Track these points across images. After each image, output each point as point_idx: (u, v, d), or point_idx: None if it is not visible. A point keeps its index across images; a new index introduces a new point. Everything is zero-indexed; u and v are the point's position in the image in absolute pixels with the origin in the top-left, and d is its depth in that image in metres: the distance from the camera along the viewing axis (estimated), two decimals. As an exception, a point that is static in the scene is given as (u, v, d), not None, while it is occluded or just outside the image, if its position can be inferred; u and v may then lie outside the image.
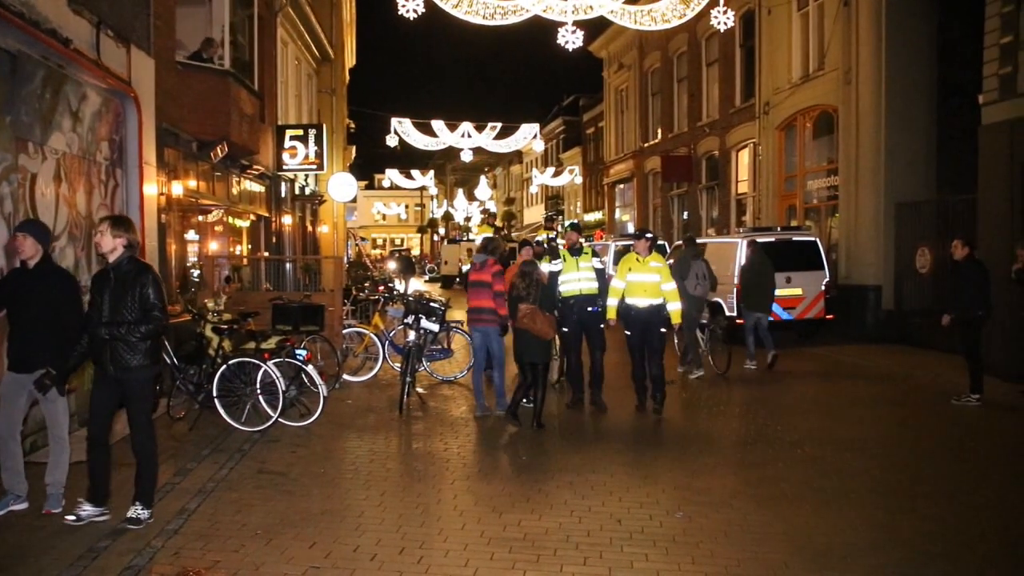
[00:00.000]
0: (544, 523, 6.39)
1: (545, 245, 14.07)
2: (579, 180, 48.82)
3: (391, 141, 35.68)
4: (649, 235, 10.86)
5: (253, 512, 6.66)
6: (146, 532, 6.16)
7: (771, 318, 14.31)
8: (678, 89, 29.96)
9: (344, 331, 13.43)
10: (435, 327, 12.00)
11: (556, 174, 50.77)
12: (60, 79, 9.41)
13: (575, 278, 10.62)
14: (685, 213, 29.60)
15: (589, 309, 10.61)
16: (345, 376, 12.39)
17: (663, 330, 10.45)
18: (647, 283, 10.33)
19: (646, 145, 32.90)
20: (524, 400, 9.92)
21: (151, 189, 11.78)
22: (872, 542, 6.00)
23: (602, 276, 10.92)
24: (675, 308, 10.46)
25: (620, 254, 15.33)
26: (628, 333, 10.53)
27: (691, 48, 28.28)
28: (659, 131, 31.60)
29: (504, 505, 6.87)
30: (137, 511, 6.30)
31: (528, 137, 35.81)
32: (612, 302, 10.58)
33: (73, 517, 6.29)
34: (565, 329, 10.76)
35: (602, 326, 10.70)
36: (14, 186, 8.29)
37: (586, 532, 6.19)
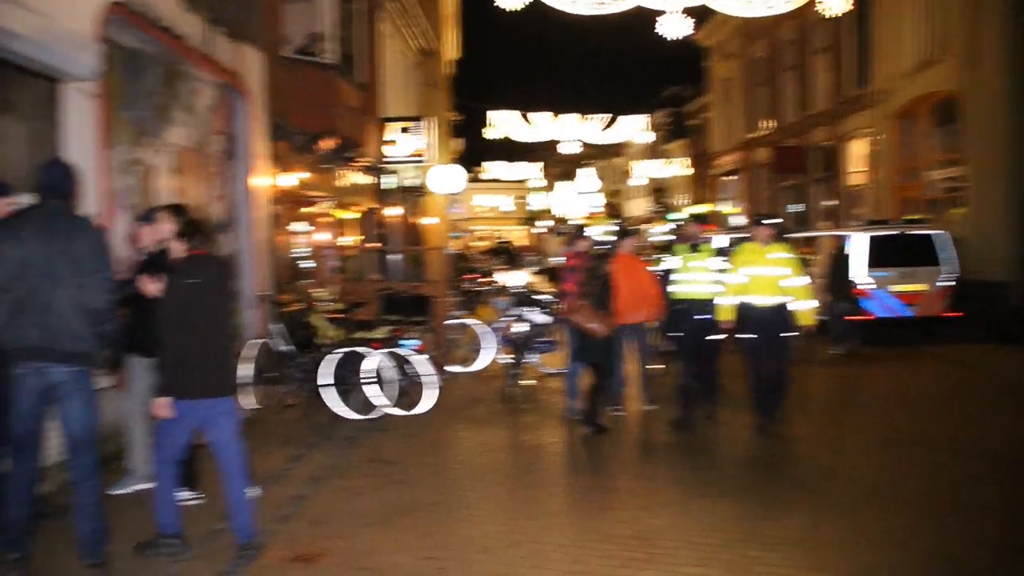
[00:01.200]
0: (656, 521, 6.19)
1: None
2: (684, 172, 48.04)
3: (493, 133, 35.78)
4: (769, 221, 9.19)
5: (365, 500, 6.66)
6: (261, 516, 6.18)
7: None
8: (786, 78, 29.11)
9: (451, 322, 13.43)
10: (543, 319, 11.87)
11: (662, 166, 50.03)
12: (176, 75, 9.65)
13: (686, 279, 9.23)
14: (796, 205, 28.73)
15: (700, 317, 8.99)
16: (452, 367, 12.38)
17: (789, 334, 8.69)
18: (769, 278, 8.65)
19: (753, 136, 32.12)
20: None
21: (262, 181, 11.99)
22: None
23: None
24: (805, 307, 8.63)
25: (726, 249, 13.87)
26: (746, 337, 8.81)
27: (800, 35, 27.41)
28: (767, 121, 30.79)
29: (615, 501, 6.71)
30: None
31: (634, 129, 35.40)
32: (728, 300, 8.80)
33: None
34: (678, 334, 9.43)
35: (715, 337, 9.14)
36: (135, 178, 8.51)
37: (701, 531, 5.95)
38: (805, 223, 25.70)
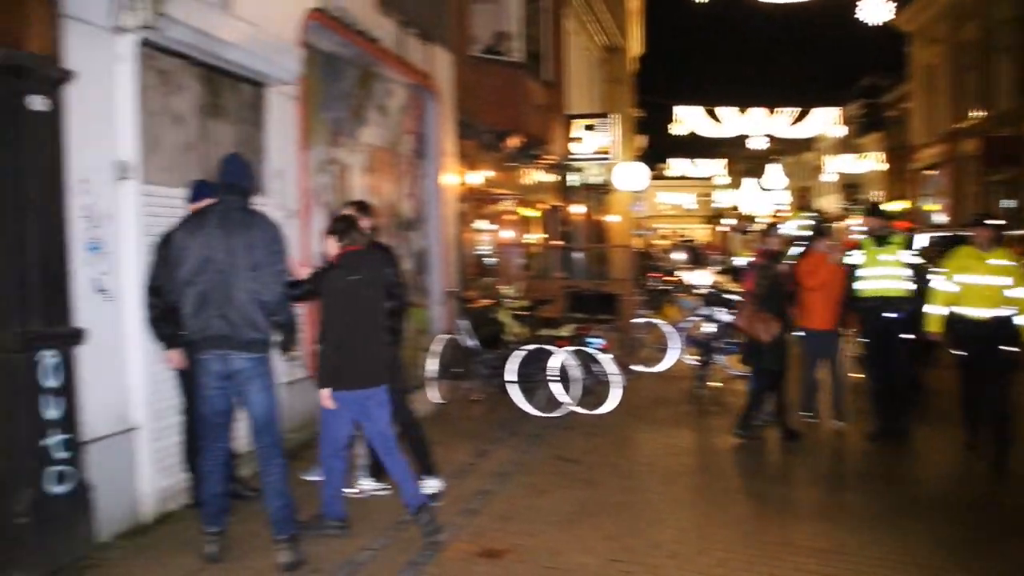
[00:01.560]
0: (857, 536, 5.86)
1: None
2: (880, 167, 45.70)
3: (679, 130, 35.28)
4: (991, 221, 8.13)
5: (550, 498, 6.64)
6: (448, 509, 6.29)
7: None
8: (1000, 61, 27.05)
9: (636, 321, 13.27)
10: (731, 319, 11.55)
11: (855, 160, 47.79)
12: (370, 76, 9.95)
13: (873, 274, 8.41)
14: (1009, 201, 26.65)
15: (889, 315, 8.29)
16: (637, 366, 12.23)
17: (1010, 349, 7.59)
18: (988, 287, 7.59)
19: (959, 126, 30.07)
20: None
21: (450, 179, 12.23)
22: None
23: (921, 273, 8.54)
24: None
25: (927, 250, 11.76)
26: (958, 353, 7.98)
27: (1020, 12, 25.30)
28: (975, 110, 28.76)
29: (808, 512, 6.41)
30: (433, 485, 6.47)
31: (825, 122, 34.01)
32: (938, 310, 7.87)
33: (355, 490, 6.56)
34: (866, 340, 8.74)
35: (907, 336, 8.37)
36: (331, 177, 8.84)
37: (906, 551, 5.59)
38: (1020, 221, 23.81)
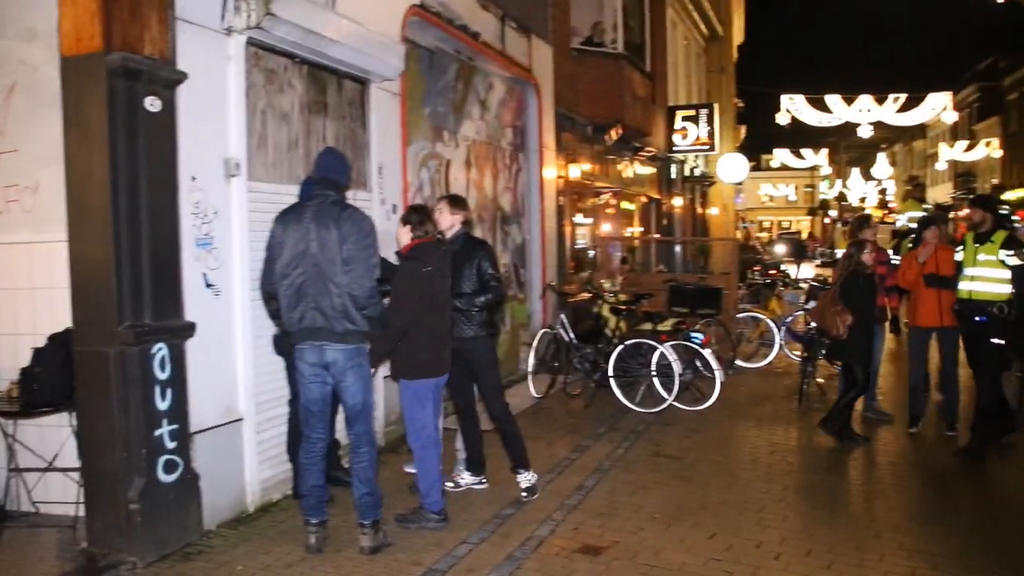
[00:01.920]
0: (975, 539, 5.64)
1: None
2: (996, 154, 43.88)
3: (782, 119, 34.50)
4: None
5: (650, 495, 6.56)
6: (546, 504, 6.28)
7: None
8: None
9: (739, 315, 13.03)
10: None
11: (968, 148, 45.99)
12: (470, 71, 9.99)
13: (968, 274, 7.72)
14: None
15: (976, 319, 7.66)
16: (739, 362, 12.02)
17: None
18: None
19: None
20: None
21: (550, 172, 12.20)
22: None
23: (1021, 274, 7.53)
24: None
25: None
26: None
27: None
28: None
29: (924, 515, 6.16)
30: (527, 478, 6.47)
31: (936, 108, 32.76)
32: None
33: (451, 484, 6.59)
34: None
35: (997, 342, 7.58)
36: (432, 172, 8.92)
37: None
38: None
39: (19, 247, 5.63)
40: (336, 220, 5.17)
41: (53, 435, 5.67)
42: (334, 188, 5.36)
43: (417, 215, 5.78)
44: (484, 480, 6.69)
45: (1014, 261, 7.45)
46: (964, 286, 7.71)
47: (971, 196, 41.24)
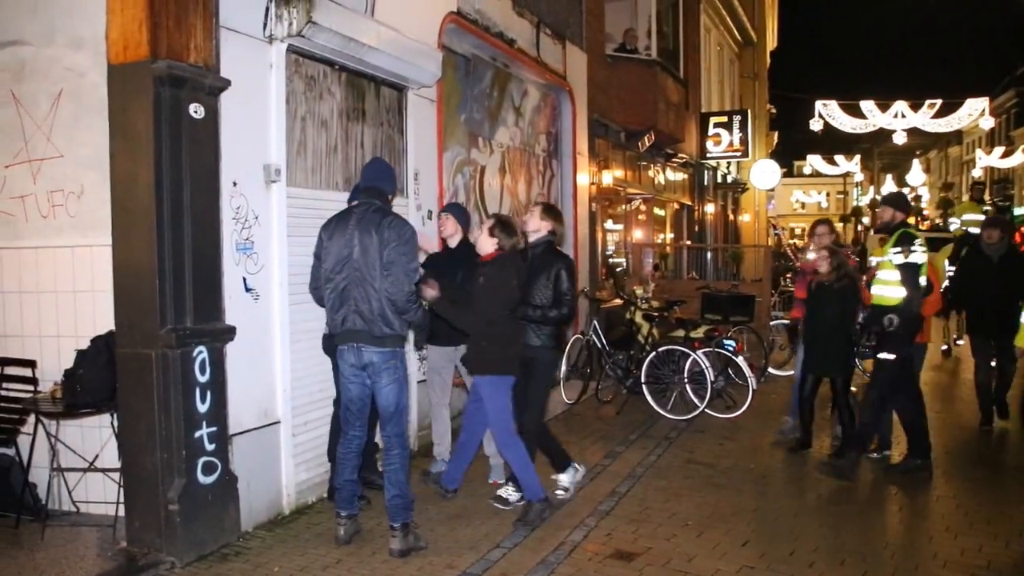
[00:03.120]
0: (1014, 551, 5.58)
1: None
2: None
3: (815, 125, 34.25)
4: None
5: (682, 501, 6.56)
6: (580, 509, 6.30)
7: None
8: None
9: (772, 323, 12.98)
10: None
11: (1005, 154, 45.33)
12: (505, 77, 10.04)
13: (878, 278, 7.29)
14: None
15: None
16: (771, 369, 11.96)
17: None
18: None
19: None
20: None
21: (583, 178, 12.21)
22: None
23: (909, 274, 6.89)
24: None
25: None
26: None
27: None
28: None
29: (959, 526, 6.09)
30: (507, 491, 6.44)
31: (974, 114, 32.36)
32: None
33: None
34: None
35: (885, 357, 7.12)
36: (467, 178, 8.98)
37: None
38: None
39: (63, 251, 5.74)
40: (378, 227, 5.28)
41: (94, 435, 5.78)
42: (379, 196, 5.49)
43: (506, 228, 5.99)
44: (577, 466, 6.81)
45: (900, 259, 6.91)
46: (873, 290, 7.31)
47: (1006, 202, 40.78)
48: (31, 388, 5.83)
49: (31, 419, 5.80)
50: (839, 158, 56.22)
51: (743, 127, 20.40)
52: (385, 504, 5.49)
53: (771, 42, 34.09)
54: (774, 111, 37.60)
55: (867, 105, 34.40)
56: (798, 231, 79.97)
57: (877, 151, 63.57)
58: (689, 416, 9.14)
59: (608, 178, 13.51)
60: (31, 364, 5.85)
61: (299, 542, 5.69)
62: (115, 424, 5.53)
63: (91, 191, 5.56)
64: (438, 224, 7.19)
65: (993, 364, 9.03)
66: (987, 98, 35.52)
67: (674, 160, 18.38)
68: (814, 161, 56.46)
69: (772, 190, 30.78)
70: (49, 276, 5.81)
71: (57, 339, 5.82)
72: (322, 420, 6.57)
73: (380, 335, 5.31)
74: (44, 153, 5.74)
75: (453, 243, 6.93)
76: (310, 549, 5.55)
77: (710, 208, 22.46)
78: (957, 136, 57.13)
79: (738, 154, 20.73)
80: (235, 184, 5.64)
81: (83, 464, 5.79)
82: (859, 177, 63.90)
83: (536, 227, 6.35)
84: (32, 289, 5.89)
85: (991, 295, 8.75)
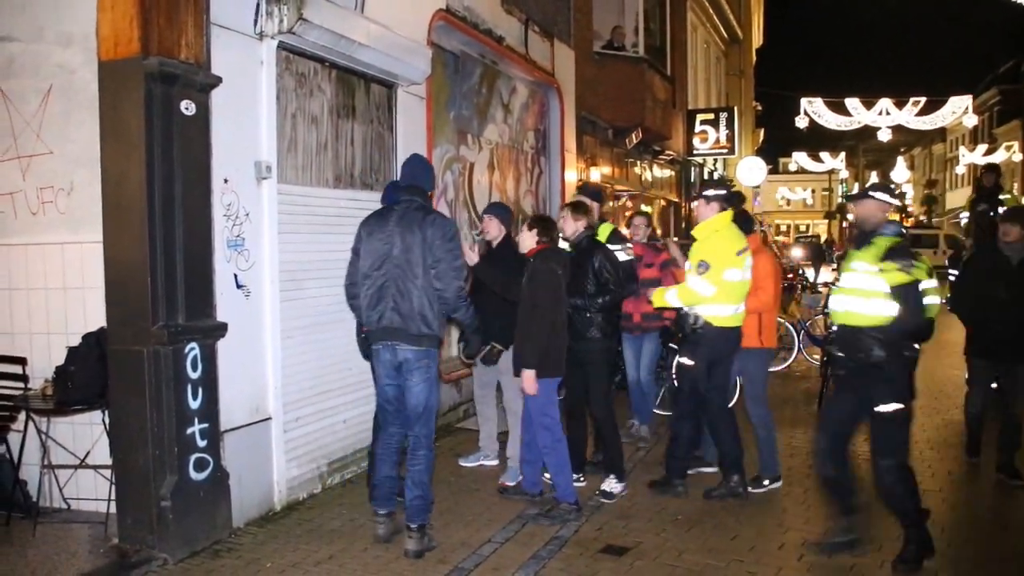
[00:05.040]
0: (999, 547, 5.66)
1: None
2: (1017, 158, 43.55)
3: (801, 122, 34.41)
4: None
5: (670, 497, 6.58)
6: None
7: None
8: None
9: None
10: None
11: (988, 152, 45.65)
12: (493, 75, 10.05)
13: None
14: None
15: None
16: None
17: None
18: None
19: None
20: None
21: (571, 175, 12.24)
22: None
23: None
24: None
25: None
26: None
27: None
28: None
29: (945, 520, 6.17)
30: (611, 484, 6.56)
31: (957, 111, 32.60)
32: None
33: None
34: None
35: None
36: (456, 175, 9.00)
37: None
38: None
39: (53, 247, 5.73)
40: (420, 224, 5.29)
41: (85, 432, 5.78)
42: (419, 194, 5.50)
43: (544, 224, 6.06)
44: (582, 477, 6.78)
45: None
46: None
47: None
48: (21, 385, 5.82)
49: (21, 416, 5.79)
50: (824, 155, 56.49)
51: (730, 124, 20.49)
52: (405, 504, 5.45)
53: (757, 39, 34.21)
54: (759, 108, 37.75)
55: (852, 102, 34.60)
56: (783, 228, 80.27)
57: (862, 148, 63.85)
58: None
59: (596, 175, 13.55)
60: (21, 361, 5.84)
61: (291, 538, 5.70)
62: (106, 421, 5.53)
63: (81, 188, 5.55)
64: (482, 225, 7.17)
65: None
66: (971, 96, 35.79)
67: (661, 157, 18.44)
68: (799, 158, 56.74)
69: (758, 187, 30.89)
70: (39, 273, 5.80)
71: (47, 336, 5.81)
72: (314, 416, 6.60)
73: (417, 333, 5.30)
74: (34, 150, 5.72)
75: (496, 243, 6.96)
76: (302, 545, 5.57)
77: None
78: (941, 134, 57.44)
79: (725, 151, 20.82)
80: (226, 181, 5.64)
81: (74, 461, 5.79)
82: (844, 174, 64.22)
83: (574, 229, 6.50)
84: (22, 286, 5.87)
85: (1007, 307, 6.93)
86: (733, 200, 6.72)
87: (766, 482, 6.81)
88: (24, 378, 5.82)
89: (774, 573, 5.16)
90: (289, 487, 6.31)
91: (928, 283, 5.85)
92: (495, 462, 7.33)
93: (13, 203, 5.82)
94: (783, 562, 5.31)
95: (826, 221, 71.33)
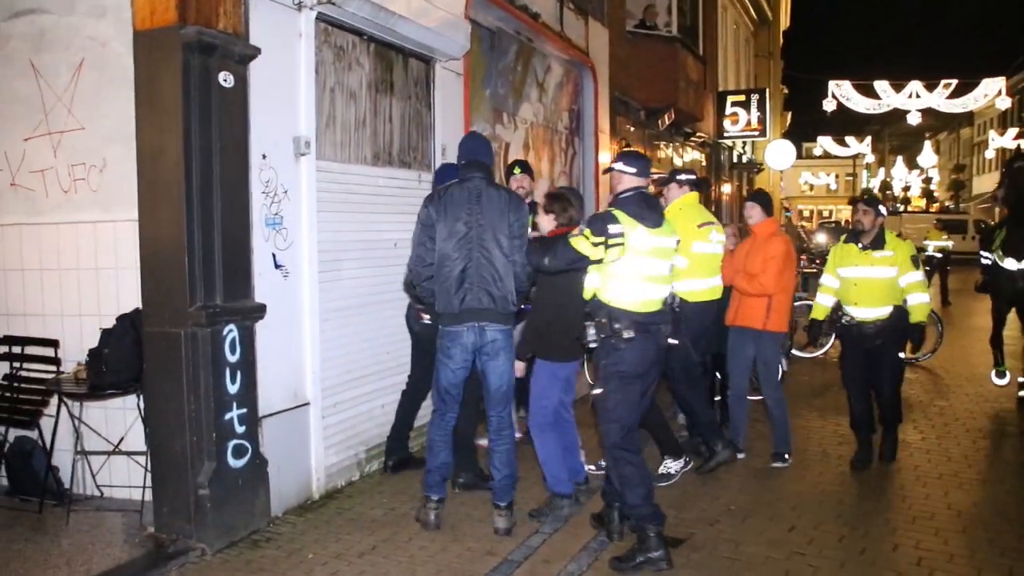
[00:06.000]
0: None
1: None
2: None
3: (828, 106, 33.94)
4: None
5: (721, 485, 6.38)
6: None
7: None
8: None
9: (795, 304, 12.73)
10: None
11: (1019, 136, 44.86)
12: (528, 52, 9.81)
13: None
14: None
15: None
16: (794, 351, 11.74)
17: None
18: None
19: None
20: None
21: (605, 157, 11.99)
22: None
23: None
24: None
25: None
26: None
27: None
28: None
29: (1018, 514, 5.90)
30: (667, 465, 6.43)
31: (990, 94, 32.04)
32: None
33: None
34: None
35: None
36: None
37: None
38: None
39: (85, 226, 5.57)
40: (497, 201, 5.16)
41: (118, 418, 5.62)
42: (482, 169, 5.31)
43: (559, 203, 5.55)
44: (689, 460, 6.59)
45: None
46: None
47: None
48: (54, 369, 5.66)
49: (53, 401, 5.61)
50: (850, 139, 55.85)
51: (761, 106, 20.16)
52: (494, 484, 5.40)
53: (784, 21, 33.74)
54: (786, 91, 37.29)
55: (881, 85, 34.09)
56: (806, 213, 79.53)
57: (888, 132, 63.15)
58: (717, 398, 8.91)
59: (629, 157, 13.27)
60: (54, 344, 5.68)
61: (332, 527, 5.51)
62: (141, 406, 5.35)
63: (114, 164, 5.37)
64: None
65: None
66: (1004, 78, 35.17)
67: (692, 139, 18.14)
68: (824, 142, 56.13)
69: (784, 171, 30.53)
70: (71, 253, 5.64)
71: (79, 318, 5.65)
72: (352, 401, 6.41)
73: (505, 312, 5.19)
74: (65, 125, 5.55)
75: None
76: (343, 535, 5.37)
77: (726, 188, 22.23)
78: (968, 118, 56.59)
79: (756, 133, 20.51)
80: (264, 157, 5.43)
81: (107, 447, 5.62)
82: (870, 158, 63.47)
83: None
84: (53, 266, 5.71)
85: None
86: (701, 185, 7.27)
87: (786, 456, 6.94)
88: (56, 361, 5.67)
89: (837, 568, 4.93)
90: (328, 475, 6.12)
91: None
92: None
93: (44, 181, 5.65)
94: (845, 556, 5.07)
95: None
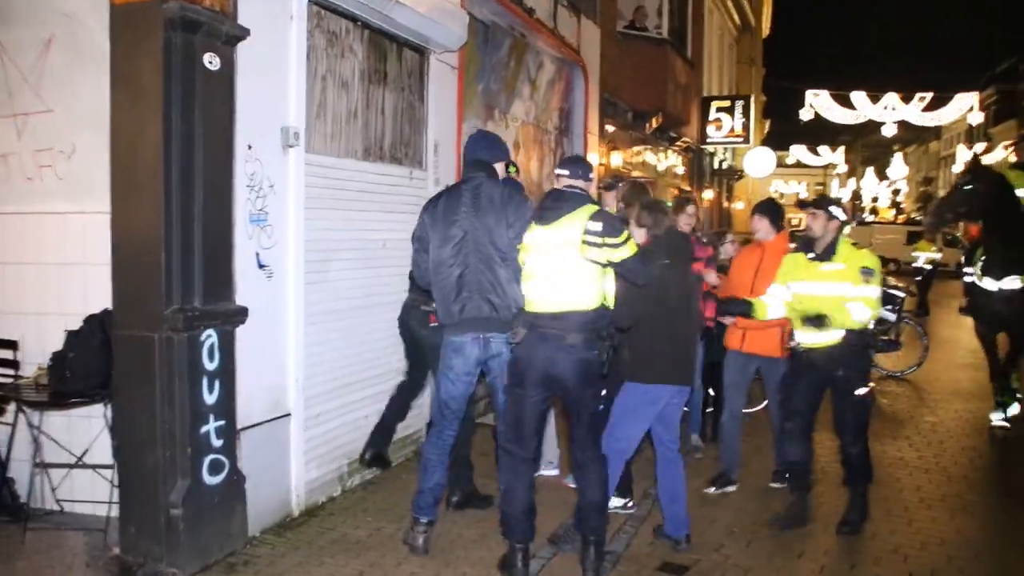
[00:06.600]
0: None
1: None
2: (1014, 158, 43.19)
3: (806, 115, 33.93)
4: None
5: (720, 507, 6.07)
6: (613, 517, 5.72)
7: None
8: None
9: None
10: (891, 316, 10.63)
11: (986, 151, 45.29)
12: (522, 48, 9.51)
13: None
14: None
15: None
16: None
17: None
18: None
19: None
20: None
21: (593, 158, 11.67)
22: None
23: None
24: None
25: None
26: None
27: None
28: None
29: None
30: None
31: (963, 108, 32.22)
32: None
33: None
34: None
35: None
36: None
37: None
38: None
39: (50, 217, 5.14)
40: (494, 201, 4.80)
41: (82, 427, 5.18)
42: (484, 168, 4.97)
43: (652, 211, 5.11)
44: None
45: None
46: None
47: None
48: (11, 372, 5.21)
49: (11, 408, 5.18)
50: (823, 148, 56.13)
51: (745, 112, 20.01)
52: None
53: (765, 28, 33.71)
54: (764, 99, 37.31)
55: (858, 96, 34.11)
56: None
57: (860, 143, 63.56)
58: (708, 410, 8.58)
59: (617, 159, 12.99)
60: (12, 345, 5.23)
61: (314, 549, 5.10)
62: (108, 416, 4.91)
63: (84, 151, 4.96)
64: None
65: None
66: (977, 93, 35.40)
67: (677, 144, 17.90)
68: (797, 151, 56.29)
69: (762, 179, 30.49)
70: (33, 246, 5.21)
71: (40, 317, 5.20)
72: (336, 411, 6.02)
73: (508, 321, 4.76)
74: (30, 107, 5.12)
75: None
76: (327, 558, 4.97)
77: (708, 195, 22.03)
78: (936, 131, 57.14)
79: (739, 140, 20.35)
80: (250, 147, 5.01)
81: (69, 459, 5.17)
82: (842, 168, 63.84)
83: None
84: (13, 260, 5.27)
85: None
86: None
87: (787, 475, 6.17)
88: (15, 364, 5.21)
89: (858, 602, 4.62)
90: (308, 490, 5.70)
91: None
92: (556, 471, 6.55)
93: (7, 166, 5.22)
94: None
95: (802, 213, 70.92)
